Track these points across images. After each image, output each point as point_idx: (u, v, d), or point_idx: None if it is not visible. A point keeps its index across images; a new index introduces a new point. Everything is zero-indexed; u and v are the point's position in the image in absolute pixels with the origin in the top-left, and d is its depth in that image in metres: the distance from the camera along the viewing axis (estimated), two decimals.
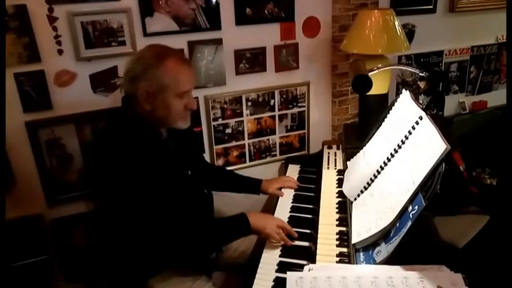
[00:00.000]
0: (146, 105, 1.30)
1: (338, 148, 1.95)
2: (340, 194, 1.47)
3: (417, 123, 1.11)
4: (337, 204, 1.42)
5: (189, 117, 1.40)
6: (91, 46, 1.64)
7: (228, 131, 2.01)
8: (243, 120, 2.02)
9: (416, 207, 0.91)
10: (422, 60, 2.33)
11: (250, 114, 2.03)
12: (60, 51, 1.61)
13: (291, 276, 0.92)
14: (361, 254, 1.04)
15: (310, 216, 1.54)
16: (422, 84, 1.29)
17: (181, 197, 1.38)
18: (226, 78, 1.92)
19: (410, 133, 1.12)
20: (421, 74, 1.31)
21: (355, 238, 1.07)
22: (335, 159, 1.80)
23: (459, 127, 2.30)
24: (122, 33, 1.68)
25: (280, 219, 1.42)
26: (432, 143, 0.97)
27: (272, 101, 2.05)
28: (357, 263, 1.01)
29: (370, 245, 1.04)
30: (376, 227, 1.01)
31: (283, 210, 1.59)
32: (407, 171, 1.04)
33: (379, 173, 1.20)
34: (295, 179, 1.85)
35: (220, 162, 2.04)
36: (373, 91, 1.66)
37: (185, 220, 1.30)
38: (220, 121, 1.98)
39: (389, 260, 0.93)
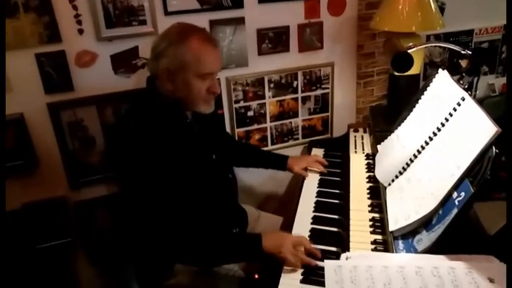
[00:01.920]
0: (167, 85, 1.26)
1: (365, 131, 1.88)
2: (371, 179, 1.42)
3: (459, 104, 1.04)
4: (368, 189, 1.37)
5: (212, 102, 1.34)
6: (112, 26, 1.60)
7: (250, 113, 1.97)
8: (265, 103, 1.97)
9: (463, 193, 0.86)
10: (451, 39, 2.22)
11: (273, 97, 1.98)
12: (80, 31, 1.57)
13: (329, 264, 0.89)
14: (400, 242, 0.99)
15: (337, 201, 1.50)
16: (464, 63, 1.22)
17: (205, 182, 1.34)
18: (249, 59, 1.86)
19: (451, 115, 1.06)
20: (462, 52, 1.23)
21: (392, 225, 1.02)
22: (362, 143, 1.74)
23: (489, 110, 2.21)
24: (143, 12, 1.63)
25: (297, 236, 1.24)
26: (479, 125, 0.91)
27: (295, 83, 1.99)
28: (396, 252, 0.97)
29: (409, 232, 0.99)
30: (416, 214, 0.96)
31: (309, 195, 1.55)
32: (449, 155, 0.98)
33: (416, 157, 1.14)
34: None
35: None
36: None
37: (199, 221, 1.25)
38: (242, 103, 1.93)
39: (432, 249, 0.89)
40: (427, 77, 2.19)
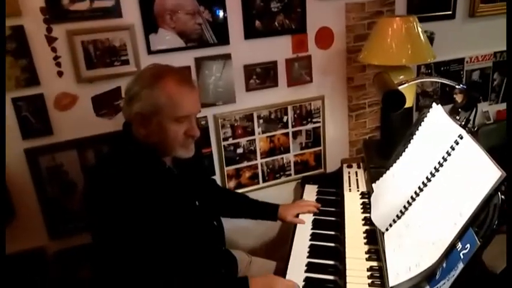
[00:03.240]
0: (141, 130, 1.18)
1: (359, 167, 1.81)
2: (367, 221, 1.33)
3: (457, 142, 0.98)
4: (364, 233, 1.28)
5: (191, 146, 1.24)
6: (92, 66, 1.55)
7: (240, 150, 1.90)
8: (255, 139, 1.91)
9: (468, 245, 0.77)
10: (442, 69, 2.19)
11: (263, 132, 1.91)
12: (60, 73, 1.52)
13: None
14: None
15: (333, 244, 1.41)
16: (459, 98, 1.16)
17: (188, 231, 1.25)
18: (236, 95, 1.81)
19: (449, 154, 0.99)
20: (457, 87, 1.18)
21: (393, 280, 0.92)
22: (357, 180, 1.67)
23: (485, 138, 2.15)
24: (125, 51, 1.58)
25: (289, 280, 1.18)
26: (481, 168, 0.84)
27: (285, 118, 1.93)
28: None
29: (412, 287, 0.90)
30: (417, 267, 0.87)
31: (303, 238, 1.46)
32: (450, 199, 0.90)
33: (413, 199, 1.06)
34: (314, 200, 1.71)
35: (231, 184, 1.92)
36: None
37: (182, 270, 1.16)
38: (230, 141, 1.86)
39: None
40: (420, 107, 2.15)
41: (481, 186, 0.81)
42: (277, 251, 2.07)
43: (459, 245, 0.81)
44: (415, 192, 1.07)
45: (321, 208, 1.65)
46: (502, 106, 2.40)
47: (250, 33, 1.75)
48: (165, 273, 1.12)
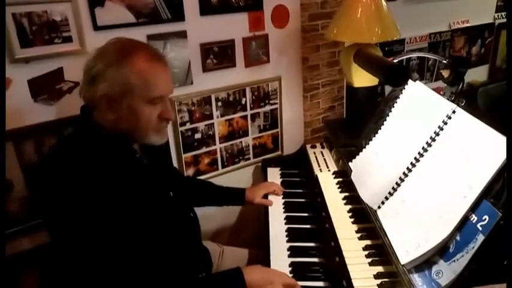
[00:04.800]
0: (108, 114, 1.03)
1: (323, 147, 1.81)
2: (348, 199, 1.33)
3: (449, 117, 0.99)
4: (349, 212, 1.27)
5: (165, 130, 1.13)
6: (28, 44, 1.32)
7: (198, 136, 1.78)
8: (213, 123, 1.80)
9: (487, 217, 0.79)
10: (386, 48, 2.27)
11: (221, 116, 1.82)
12: None
13: None
14: (416, 276, 0.89)
15: (309, 226, 1.39)
16: (445, 73, 1.18)
17: (164, 224, 1.13)
18: (193, 77, 1.68)
19: (441, 128, 1.00)
20: (444, 61, 1.20)
21: (403, 257, 0.92)
22: (324, 160, 1.66)
23: None
24: (67, 27, 1.37)
25: (289, 277, 1.10)
26: (486, 140, 0.86)
27: (243, 100, 1.85)
28: None
29: (422, 263, 0.90)
30: (427, 242, 0.87)
31: (278, 222, 1.43)
32: (453, 174, 0.92)
33: (406, 175, 1.07)
34: (279, 183, 1.68)
35: (190, 172, 1.81)
36: (363, 83, 1.55)
37: (159, 270, 1.05)
38: (188, 125, 1.74)
39: (458, 282, 0.80)
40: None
41: (492, 158, 0.82)
42: (239, 236, 2.02)
43: (473, 217, 0.83)
44: (407, 168, 1.07)
45: (289, 190, 1.63)
46: (437, 84, 2.57)
47: (206, 9, 1.63)
48: (146, 274, 1.00)
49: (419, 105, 1.14)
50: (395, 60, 1.16)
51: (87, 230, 0.94)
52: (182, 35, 1.60)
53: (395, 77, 1.10)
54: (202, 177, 1.82)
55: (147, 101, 1.03)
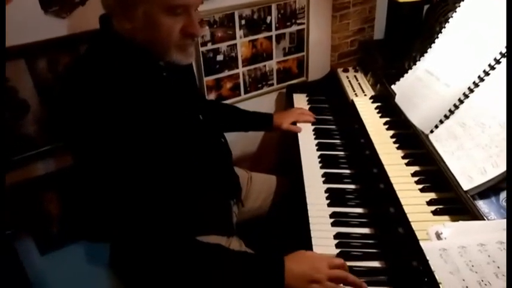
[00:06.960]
0: (125, 23, 0.90)
1: (356, 71, 1.68)
2: (391, 124, 1.23)
3: None
4: (392, 137, 1.18)
5: (191, 48, 0.98)
6: None
7: (220, 57, 1.65)
8: (236, 44, 1.66)
9: None
10: None
11: (244, 36, 1.67)
12: None
13: (430, 250, 0.69)
14: (481, 202, 0.82)
15: (342, 153, 1.32)
16: None
17: (196, 151, 1.05)
18: None
19: None
20: None
21: (466, 184, 0.84)
22: (359, 84, 1.54)
23: None
24: None
25: (328, 256, 0.94)
26: None
27: (269, 18, 1.69)
28: (484, 216, 0.79)
29: (487, 189, 0.83)
30: (494, 167, 0.80)
31: (309, 149, 1.36)
32: None
33: (467, 96, 0.96)
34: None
35: (212, 96, 1.71)
36: None
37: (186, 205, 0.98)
38: (210, 46, 1.60)
39: None
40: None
41: None
42: (260, 164, 1.97)
43: None
44: (469, 88, 0.97)
45: (318, 117, 1.54)
46: None
47: None
48: (173, 203, 0.94)
49: (487, 9, 0.98)
50: None
51: (111, 152, 0.87)
52: None
53: None
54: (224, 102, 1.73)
55: (167, 9, 0.87)
